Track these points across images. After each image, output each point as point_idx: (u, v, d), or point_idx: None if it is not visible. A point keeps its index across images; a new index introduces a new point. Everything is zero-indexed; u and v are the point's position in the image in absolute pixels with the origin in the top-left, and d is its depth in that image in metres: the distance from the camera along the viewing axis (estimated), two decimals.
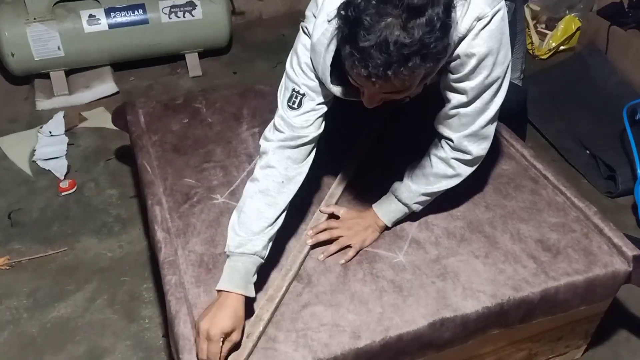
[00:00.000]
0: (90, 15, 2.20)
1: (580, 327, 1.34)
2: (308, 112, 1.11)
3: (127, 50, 2.34)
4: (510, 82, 1.47)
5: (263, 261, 1.08)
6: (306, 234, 1.23)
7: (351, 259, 1.20)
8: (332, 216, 1.28)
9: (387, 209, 1.24)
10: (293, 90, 1.10)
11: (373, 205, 1.26)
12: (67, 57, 2.24)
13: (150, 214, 1.28)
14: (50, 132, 2.10)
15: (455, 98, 1.10)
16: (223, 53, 2.61)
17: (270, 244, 1.09)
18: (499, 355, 1.29)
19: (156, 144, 1.48)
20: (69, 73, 2.33)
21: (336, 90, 1.08)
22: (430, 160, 1.20)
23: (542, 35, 2.61)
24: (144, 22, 2.28)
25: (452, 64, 1.04)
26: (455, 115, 1.11)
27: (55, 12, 2.18)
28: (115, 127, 1.72)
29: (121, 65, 2.44)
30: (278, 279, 1.14)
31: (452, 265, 1.20)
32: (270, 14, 2.90)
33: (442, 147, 1.17)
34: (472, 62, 1.02)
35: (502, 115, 1.46)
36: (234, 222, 1.09)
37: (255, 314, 1.07)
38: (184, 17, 2.33)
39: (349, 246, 1.21)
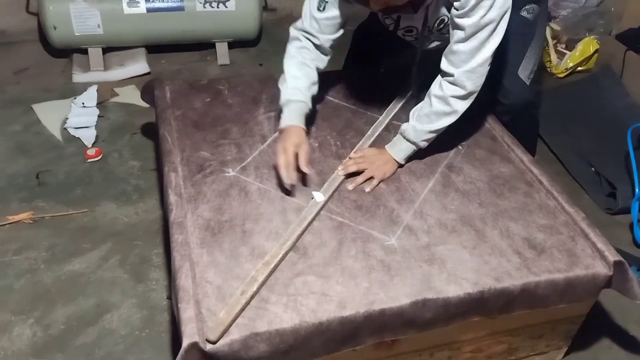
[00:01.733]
0: None
1: (561, 327, 1.40)
2: (329, 18, 1.43)
3: (162, 34, 2.47)
4: (517, 78, 1.57)
5: (309, 111, 1.45)
6: (338, 170, 1.44)
7: (375, 187, 1.41)
8: None
9: (398, 149, 1.45)
10: None
11: (386, 146, 1.47)
12: (105, 36, 2.37)
13: (165, 179, 1.38)
14: (83, 104, 2.23)
15: (456, 34, 1.31)
16: (251, 45, 2.73)
17: (311, 100, 1.46)
18: (479, 345, 1.35)
19: (178, 118, 1.58)
20: (105, 51, 2.46)
21: None
22: (430, 100, 1.40)
23: (561, 55, 2.66)
24: (180, 9, 2.40)
25: (456, 2, 1.26)
26: (456, 52, 1.32)
27: None
28: (143, 105, 1.84)
29: (155, 48, 2.57)
30: (276, 247, 1.23)
31: (440, 253, 1.27)
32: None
33: (441, 86, 1.38)
34: (472, 1, 1.21)
35: (508, 112, 1.54)
36: (282, 84, 1.45)
37: (251, 275, 1.16)
38: (217, 7, 2.45)
39: (372, 178, 1.42)
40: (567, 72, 2.64)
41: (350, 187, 1.41)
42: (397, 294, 1.17)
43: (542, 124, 2.31)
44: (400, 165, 1.47)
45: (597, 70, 2.60)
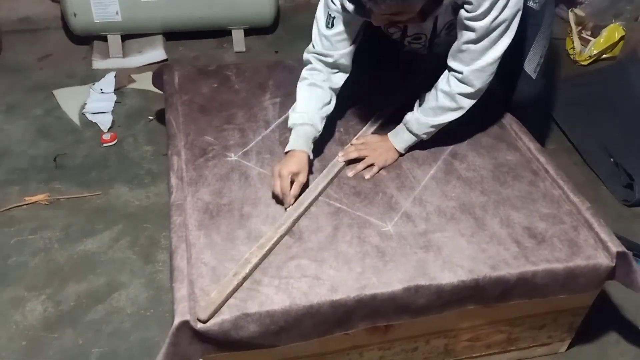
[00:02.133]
0: None
1: (563, 318, 1.37)
2: (340, 32, 1.37)
3: (179, 21, 2.49)
4: (524, 73, 1.51)
5: (318, 134, 1.39)
6: (338, 156, 1.44)
7: (375, 175, 1.41)
8: None
9: (400, 139, 1.45)
10: (328, 14, 1.36)
11: (389, 135, 1.47)
12: (123, 22, 2.42)
13: (168, 162, 1.41)
14: (101, 89, 2.29)
15: (466, 35, 1.26)
16: (268, 32, 2.73)
17: (324, 122, 1.40)
18: (477, 333, 1.34)
19: (185, 103, 1.61)
20: (124, 38, 2.50)
21: (349, 6, 1.28)
22: (436, 94, 1.38)
23: (585, 42, 2.58)
24: None
25: (467, 5, 1.22)
26: (465, 51, 1.29)
27: None
28: (159, 91, 1.87)
29: (173, 35, 2.60)
30: (272, 230, 1.24)
31: (437, 240, 1.26)
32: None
33: (448, 82, 1.35)
34: (485, 5, 1.18)
35: (513, 106, 1.51)
36: (294, 108, 1.40)
37: (245, 257, 1.18)
38: None
39: (372, 165, 1.42)
40: (591, 60, 2.55)
41: (350, 174, 1.42)
42: (389, 280, 1.17)
43: (563, 113, 2.26)
44: (401, 154, 1.47)
45: (622, 57, 2.51)
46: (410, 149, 1.47)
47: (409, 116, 1.43)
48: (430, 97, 1.41)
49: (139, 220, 1.79)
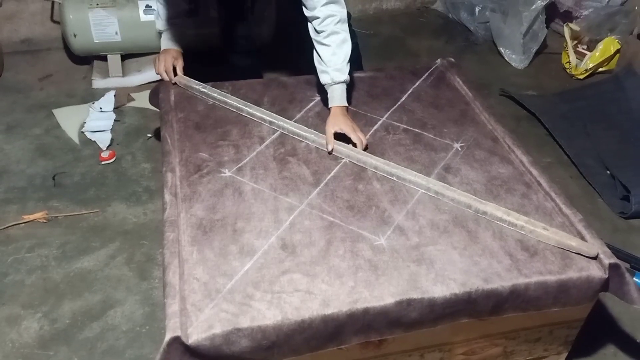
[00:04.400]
0: (147, 6, 2.41)
1: (559, 331, 1.37)
2: None
3: None
4: None
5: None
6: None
7: (365, 139, 1.54)
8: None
9: (337, 98, 1.59)
10: None
11: (330, 106, 1.60)
12: (123, 42, 2.45)
13: (162, 179, 1.42)
14: (100, 108, 2.32)
15: None
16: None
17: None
18: (471, 347, 1.33)
19: (180, 120, 1.62)
20: (124, 57, 2.54)
21: None
22: (317, 50, 1.58)
23: (581, 56, 2.60)
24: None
25: None
26: None
27: (115, 0, 2.40)
28: (156, 109, 1.89)
29: None
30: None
31: (430, 253, 1.26)
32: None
33: (316, 32, 1.56)
34: None
35: None
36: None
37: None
38: None
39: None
40: (587, 74, 2.57)
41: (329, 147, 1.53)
42: (382, 293, 1.17)
43: (559, 126, 2.27)
44: (347, 106, 1.62)
45: (618, 71, 2.52)
46: (349, 97, 1.65)
47: (323, 78, 1.60)
48: (321, 51, 1.58)
49: (135, 237, 1.80)
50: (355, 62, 1.76)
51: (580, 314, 1.35)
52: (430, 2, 3.33)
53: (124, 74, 2.52)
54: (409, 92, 1.82)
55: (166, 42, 1.83)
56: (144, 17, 2.42)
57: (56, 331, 1.52)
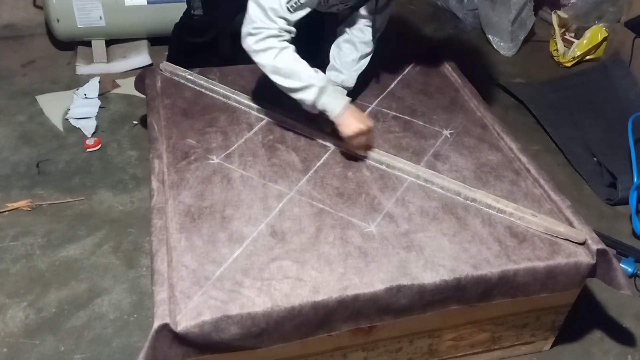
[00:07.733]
0: None
1: (546, 317, 1.38)
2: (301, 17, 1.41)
3: (163, 26, 2.47)
4: None
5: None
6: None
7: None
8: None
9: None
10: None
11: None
12: (107, 27, 2.41)
13: (149, 165, 1.40)
14: (85, 95, 2.27)
15: None
16: None
17: None
18: (460, 333, 1.34)
19: (167, 106, 1.60)
20: (109, 43, 2.49)
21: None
22: (355, 45, 1.60)
23: (569, 43, 2.61)
24: (180, 0, 2.42)
25: None
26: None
27: None
28: (144, 96, 1.86)
29: (157, 40, 2.59)
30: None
31: (419, 240, 1.26)
32: None
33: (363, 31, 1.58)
34: None
35: None
36: (295, 75, 1.38)
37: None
38: None
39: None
40: (575, 61, 2.58)
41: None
42: (371, 280, 1.17)
43: (547, 114, 2.28)
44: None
45: (605, 59, 2.53)
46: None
47: (337, 77, 1.59)
48: (346, 50, 1.60)
49: (122, 225, 1.78)
50: None
51: (567, 300, 1.36)
52: None
53: (108, 60, 2.47)
54: (398, 79, 1.81)
55: (340, 95, 1.49)
56: (128, 2, 2.37)
57: (42, 320, 1.50)
